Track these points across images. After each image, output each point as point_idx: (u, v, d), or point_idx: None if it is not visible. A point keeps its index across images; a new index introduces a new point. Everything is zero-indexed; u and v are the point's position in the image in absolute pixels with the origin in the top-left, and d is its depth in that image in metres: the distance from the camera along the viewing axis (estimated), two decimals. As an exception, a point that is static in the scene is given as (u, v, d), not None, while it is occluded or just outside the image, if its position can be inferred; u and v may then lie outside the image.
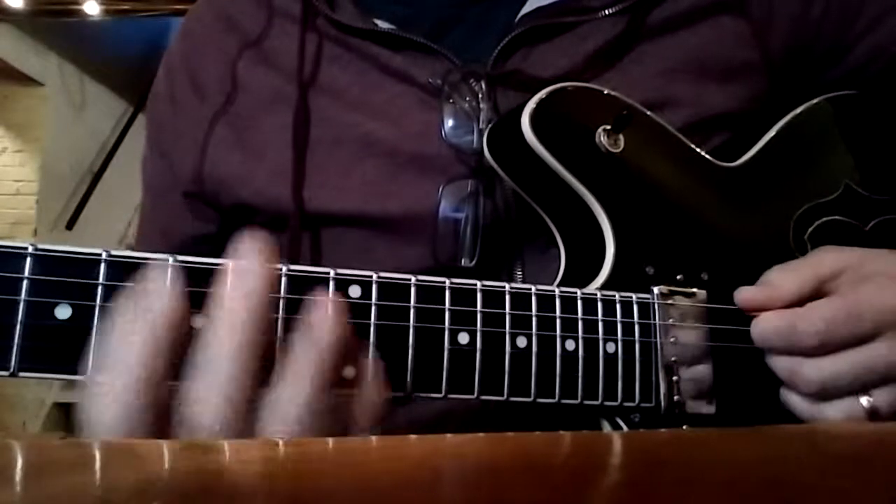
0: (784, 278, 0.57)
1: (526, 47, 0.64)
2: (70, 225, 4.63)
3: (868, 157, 0.70)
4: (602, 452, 0.36)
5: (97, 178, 4.73)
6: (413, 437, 0.42)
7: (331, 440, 0.49)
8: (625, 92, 0.62)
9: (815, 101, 0.69)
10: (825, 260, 0.57)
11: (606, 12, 0.64)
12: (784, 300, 0.55)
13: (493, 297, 0.48)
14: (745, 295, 0.57)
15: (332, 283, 0.42)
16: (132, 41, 4.13)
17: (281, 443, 0.45)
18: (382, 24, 0.65)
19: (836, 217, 0.66)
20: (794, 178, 0.66)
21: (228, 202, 0.67)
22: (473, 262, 0.60)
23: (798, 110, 0.68)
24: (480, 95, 0.62)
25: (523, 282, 0.60)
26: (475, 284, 0.47)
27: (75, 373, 0.37)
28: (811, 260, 0.58)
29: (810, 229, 0.64)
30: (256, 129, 0.66)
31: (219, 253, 0.72)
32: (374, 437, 0.42)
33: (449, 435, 0.41)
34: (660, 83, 0.64)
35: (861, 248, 0.58)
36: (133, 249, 0.76)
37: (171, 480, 0.27)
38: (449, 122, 0.62)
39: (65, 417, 4.37)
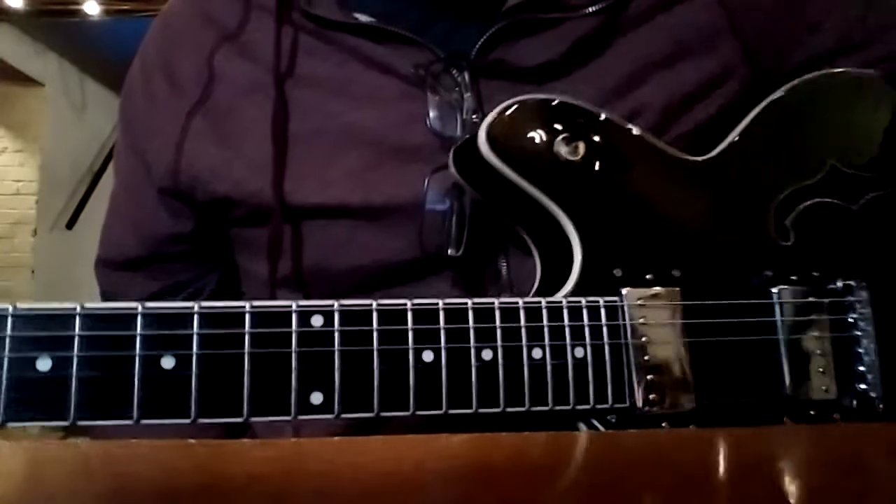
0: None
1: (508, 41, 0.65)
2: (70, 225, 4.63)
3: (857, 134, 0.69)
4: (597, 452, 0.37)
5: (97, 178, 4.70)
6: (411, 437, 0.44)
7: (328, 440, 0.51)
8: (603, 82, 0.63)
9: (795, 81, 0.68)
10: None
11: (589, 10, 0.66)
12: None
13: (456, 314, 0.50)
14: None
15: (294, 316, 0.44)
16: (132, 41, 4.08)
17: (279, 443, 0.47)
18: (362, 18, 0.66)
19: (823, 199, 0.65)
20: (774, 163, 0.66)
21: (205, 197, 0.67)
22: (460, 252, 0.61)
23: (775, 94, 0.68)
24: (463, 86, 0.63)
25: (508, 273, 0.62)
26: (437, 303, 0.49)
27: (59, 419, 0.40)
28: None
29: (793, 214, 0.64)
30: (234, 121, 0.66)
31: (196, 252, 0.73)
32: (373, 438, 0.44)
33: (446, 435, 0.43)
34: (636, 70, 0.66)
35: None
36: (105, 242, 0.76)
37: (169, 480, 0.29)
38: (432, 113, 0.63)
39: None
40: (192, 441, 0.40)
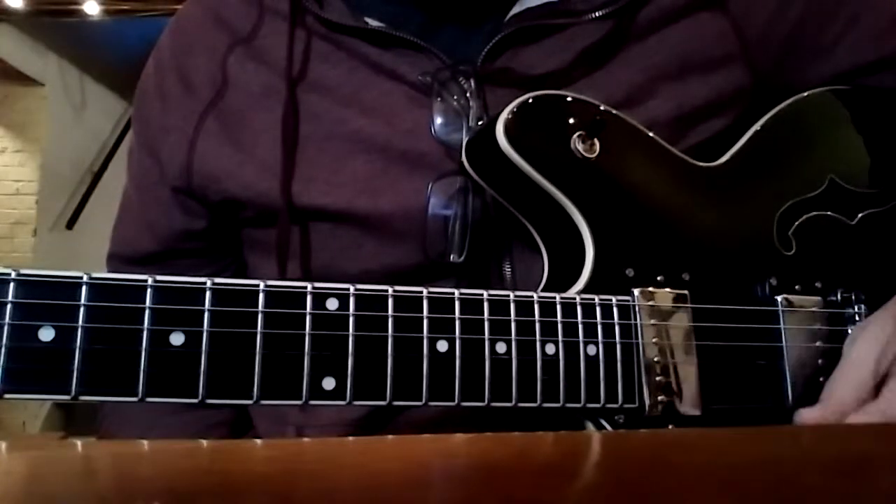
0: (844, 393, 0.58)
1: (515, 48, 0.65)
2: (70, 225, 4.64)
3: (856, 151, 0.70)
4: (603, 452, 0.36)
5: (97, 178, 4.72)
6: (412, 437, 0.43)
7: (331, 440, 0.50)
8: (610, 91, 0.63)
9: (797, 96, 0.69)
10: (871, 356, 0.58)
11: (595, 15, 0.65)
12: (847, 415, 0.57)
13: (472, 305, 0.49)
14: (806, 417, 0.59)
15: (309, 297, 0.43)
16: (132, 41, 4.12)
17: (281, 443, 0.46)
18: (372, 23, 0.66)
19: (822, 212, 0.66)
20: (778, 174, 0.66)
21: (216, 197, 0.68)
22: (462, 258, 0.61)
23: (780, 106, 0.68)
24: (469, 93, 0.63)
25: (512, 278, 0.62)
26: (453, 293, 0.48)
27: (60, 393, 0.38)
28: (858, 362, 0.59)
29: (795, 225, 0.65)
30: (246, 124, 0.67)
31: (208, 249, 0.73)
32: (373, 438, 0.43)
33: (447, 435, 0.42)
34: (644, 82, 0.65)
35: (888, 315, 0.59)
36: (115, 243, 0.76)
37: (170, 480, 0.27)
38: (438, 120, 0.63)
39: (65, 417, 4.36)
40: (195, 441, 0.38)
